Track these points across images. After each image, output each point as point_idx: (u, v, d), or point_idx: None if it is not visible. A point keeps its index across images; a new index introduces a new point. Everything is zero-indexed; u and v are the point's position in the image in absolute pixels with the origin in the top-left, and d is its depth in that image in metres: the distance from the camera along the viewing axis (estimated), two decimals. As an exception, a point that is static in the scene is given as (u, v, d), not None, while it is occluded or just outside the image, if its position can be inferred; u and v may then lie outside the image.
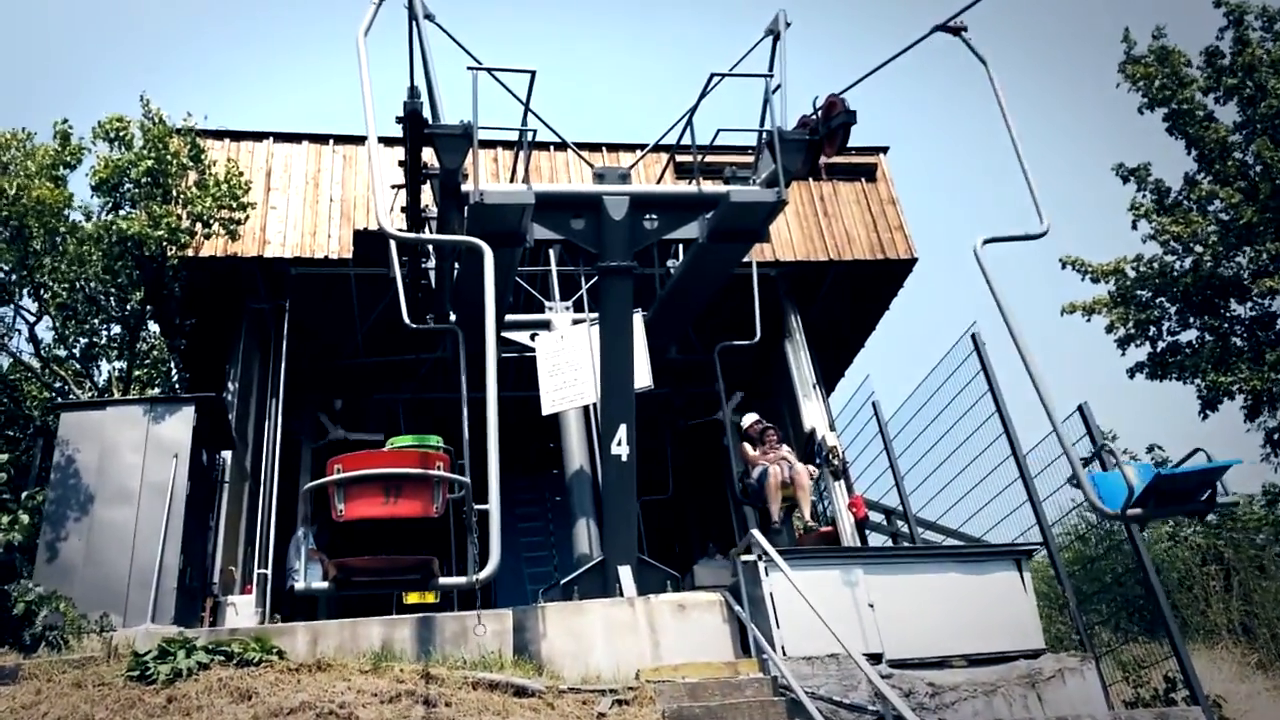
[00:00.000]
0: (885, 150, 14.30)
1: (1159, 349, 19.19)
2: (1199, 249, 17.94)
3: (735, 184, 9.00)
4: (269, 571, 11.21)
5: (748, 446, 10.58)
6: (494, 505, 4.67)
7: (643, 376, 9.62)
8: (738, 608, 8.29)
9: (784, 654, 7.71)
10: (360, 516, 4.97)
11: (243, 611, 10.77)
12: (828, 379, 14.59)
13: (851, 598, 8.24)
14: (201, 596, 10.37)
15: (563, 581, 8.87)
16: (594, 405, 10.78)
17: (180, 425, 10.12)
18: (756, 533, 8.09)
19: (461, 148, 7.99)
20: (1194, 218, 17.75)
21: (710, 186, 8.91)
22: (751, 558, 8.27)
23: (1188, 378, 18.38)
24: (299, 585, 5.34)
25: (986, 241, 7.60)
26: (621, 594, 8.64)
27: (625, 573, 8.74)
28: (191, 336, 12.53)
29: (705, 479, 18.17)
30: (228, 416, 11.07)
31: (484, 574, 4.57)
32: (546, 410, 10.11)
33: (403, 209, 10.15)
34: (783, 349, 14.04)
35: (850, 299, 14.03)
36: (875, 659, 7.81)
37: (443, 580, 5.25)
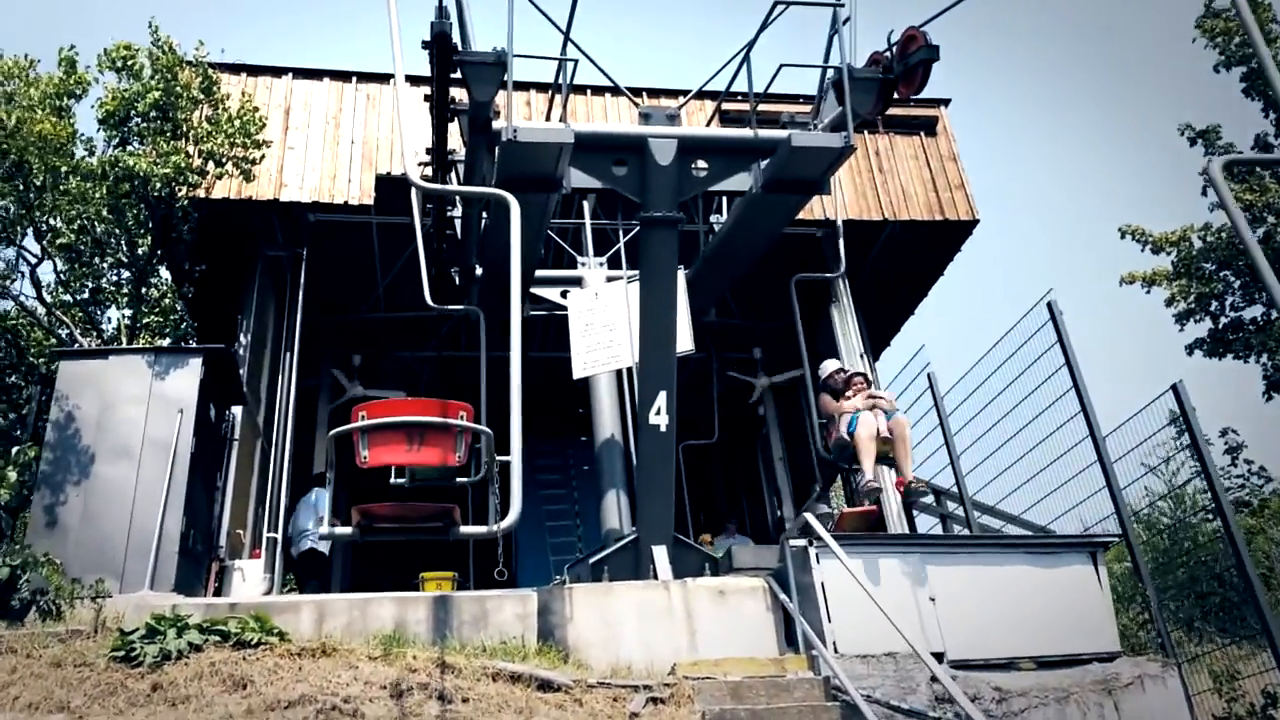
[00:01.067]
0: (947, 103, 13.32)
1: (1220, 325, 18.19)
2: (1271, 219, 16.84)
3: (794, 129, 8.11)
4: (279, 535, 10.59)
5: (829, 398, 9.16)
6: (516, 456, 4.49)
7: (684, 340, 8.83)
8: (784, 597, 7.54)
9: (836, 651, 6.97)
10: (384, 463, 4.92)
11: (250, 577, 10.17)
12: (874, 348, 13.73)
13: (911, 590, 7.47)
14: (206, 561, 9.76)
15: (591, 560, 8.16)
16: (627, 370, 10.05)
17: (187, 378, 9.48)
18: (810, 516, 7.32)
19: (494, 78, 7.16)
20: (1269, 184, 16.62)
21: (766, 132, 8.03)
22: (801, 542, 7.51)
23: (1252, 356, 17.40)
24: (323, 530, 4.88)
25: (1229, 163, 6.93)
26: (655, 576, 7.93)
27: (660, 553, 8.02)
28: (202, 284, 11.85)
29: (737, 449, 17.43)
30: (238, 370, 10.39)
31: (505, 524, 4.41)
32: (578, 374, 9.35)
33: (427, 150, 9.35)
34: (828, 314, 13.18)
35: (904, 262, 13.11)
36: (935, 659, 7.04)
37: (464, 529, 5.07)
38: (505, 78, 7.09)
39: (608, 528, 9.79)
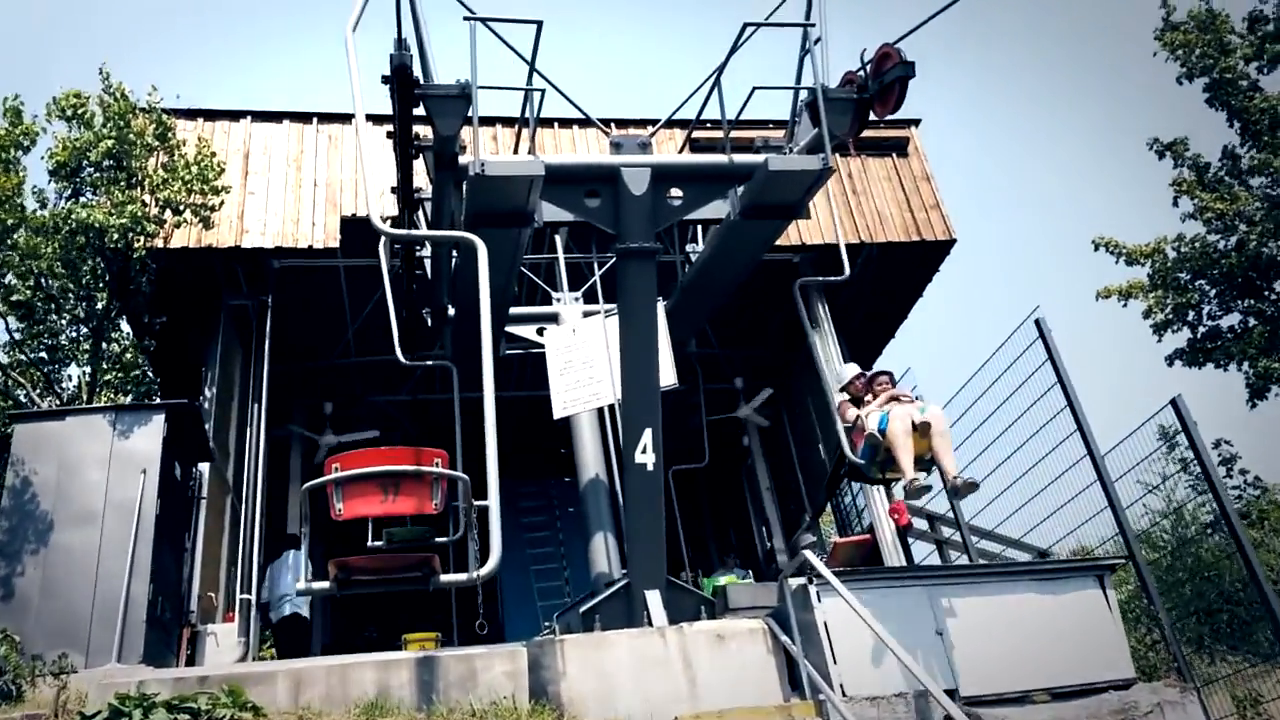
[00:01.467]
0: (917, 123, 13.21)
1: (1199, 334, 18.14)
2: (1243, 227, 16.84)
3: (769, 154, 7.89)
4: (253, 596, 10.13)
5: (850, 405, 8.40)
6: (494, 501, 4.55)
7: (667, 374, 8.54)
8: (785, 638, 7.21)
9: (844, 694, 6.63)
10: (359, 515, 4.90)
11: (224, 642, 9.71)
12: (857, 372, 13.49)
13: (917, 625, 7.16)
14: (177, 628, 9.30)
15: (582, 609, 7.79)
16: (609, 407, 9.74)
17: (149, 436, 9.08)
18: (809, 554, 7.01)
19: (458, 111, 6.89)
20: (1239, 193, 16.65)
21: (741, 157, 7.81)
22: (800, 580, 7.19)
23: (1232, 364, 17.33)
24: (300, 585, 5.10)
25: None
26: (650, 622, 7.56)
27: (653, 598, 7.66)
28: (164, 336, 11.43)
29: (723, 481, 17.12)
30: (203, 425, 9.99)
31: (485, 570, 4.47)
32: (558, 414, 9.02)
33: (392, 189, 9.06)
34: (808, 341, 12.92)
35: (882, 284, 12.93)
36: (950, 695, 6.72)
37: (444, 577, 5.08)
38: (470, 111, 6.82)
39: (596, 571, 9.43)
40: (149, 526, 8.69)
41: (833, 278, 9.91)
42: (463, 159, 7.50)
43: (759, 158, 7.64)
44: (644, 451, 7.63)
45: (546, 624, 13.29)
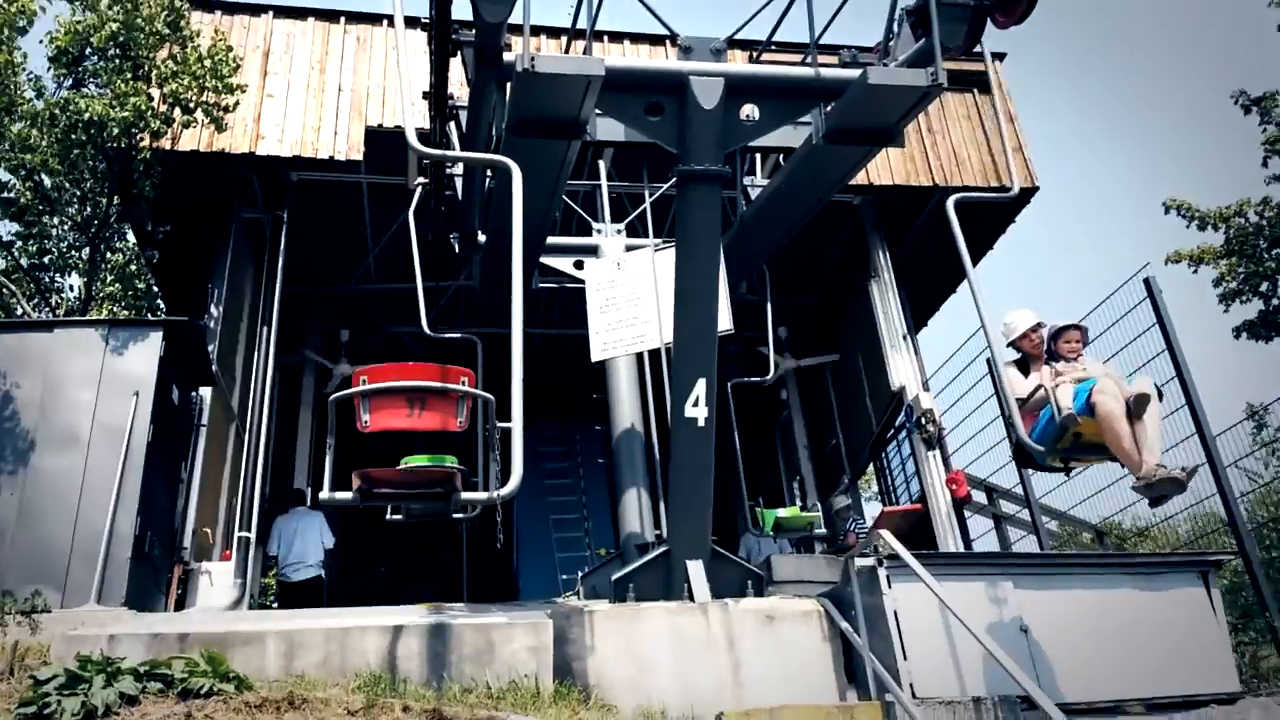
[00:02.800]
0: (1002, 57, 12.00)
1: (1272, 306, 16.97)
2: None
3: (849, 69, 6.83)
4: (252, 534, 9.35)
5: (1015, 375, 6.19)
6: (517, 422, 4.39)
7: (723, 318, 7.58)
8: (845, 625, 6.35)
9: (914, 695, 5.76)
10: (385, 428, 4.82)
11: (219, 582, 8.96)
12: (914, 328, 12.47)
13: (999, 619, 6.28)
14: (167, 566, 8.54)
15: (614, 576, 6.92)
16: (652, 352, 8.83)
17: (144, 355, 8.25)
18: (884, 533, 6.10)
19: (506, -6, 5.87)
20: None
21: (831, 71, 6.75)
22: (867, 560, 6.29)
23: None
24: (323, 495, 4.86)
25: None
26: (691, 596, 6.71)
27: (696, 569, 6.79)
28: (170, 248, 10.56)
29: (755, 436, 16.20)
30: (206, 345, 9.12)
31: (506, 490, 4.38)
32: (597, 356, 8.12)
33: (424, 94, 8.07)
34: (865, 291, 11.95)
35: (951, 233, 11.78)
36: (1028, 703, 5.84)
37: (465, 495, 4.84)
38: (521, -7, 5.80)
39: (627, 531, 8.57)
40: (139, 454, 7.89)
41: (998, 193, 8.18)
42: (508, 56, 6.50)
43: (852, 72, 6.58)
44: (696, 404, 6.71)
45: (566, 578, 12.61)
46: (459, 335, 9.20)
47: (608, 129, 8.08)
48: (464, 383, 4.92)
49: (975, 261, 12.50)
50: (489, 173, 8.86)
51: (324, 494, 4.71)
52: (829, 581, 7.96)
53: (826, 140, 6.71)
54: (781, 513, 10.02)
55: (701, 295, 6.72)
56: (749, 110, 6.72)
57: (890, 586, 6.16)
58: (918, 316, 13.24)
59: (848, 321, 13.16)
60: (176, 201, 10.14)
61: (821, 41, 7.21)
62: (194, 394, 9.31)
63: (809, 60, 6.77)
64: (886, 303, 11.45)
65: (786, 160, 8.50)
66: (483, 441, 5.19)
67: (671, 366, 6.91)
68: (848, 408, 13.39)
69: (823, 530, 10.36)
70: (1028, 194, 11.39)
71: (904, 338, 11.30)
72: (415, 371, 4.99)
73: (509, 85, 6.37)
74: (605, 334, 8.04)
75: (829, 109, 6.68)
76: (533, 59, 5.77)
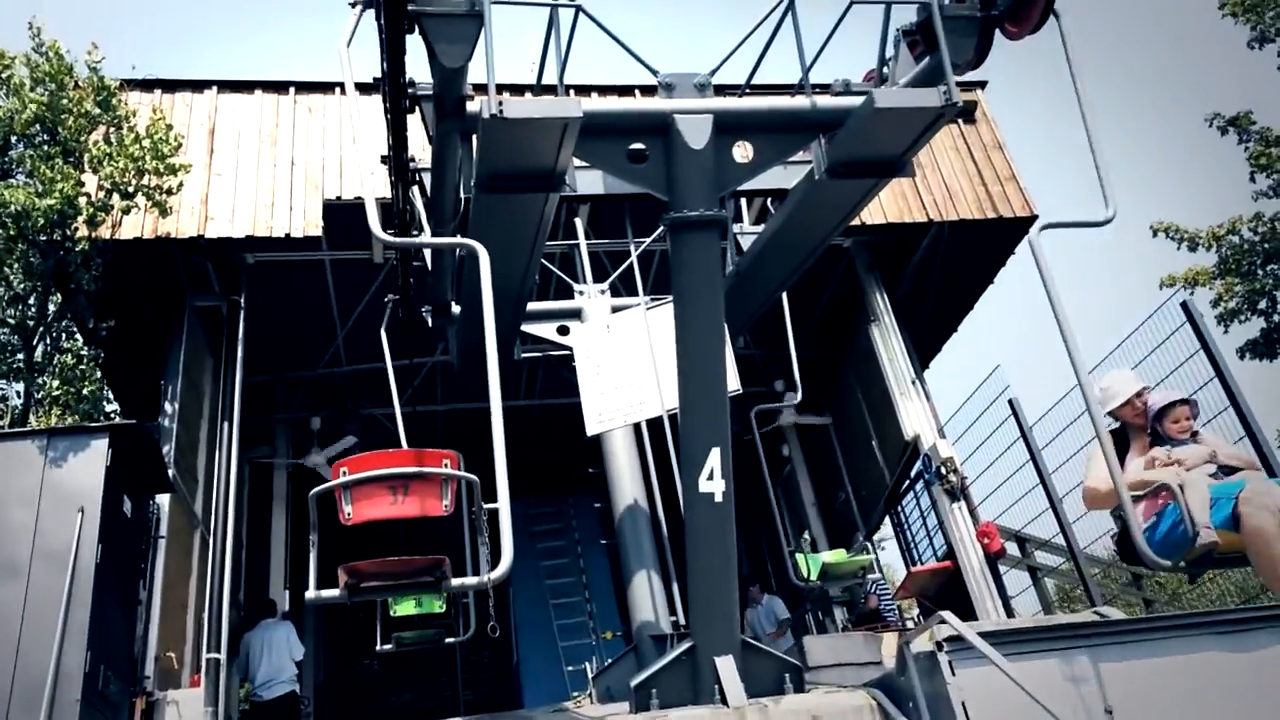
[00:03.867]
0: (984, 85, 11.53)
1: (1274, 323, 16.51)
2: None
3: (849, 97, 6.23)
4: (223, 655, 8.42)
5: (1128, 469, 5.12)
6: (504, 501, 4.32)
7: (731, 378, 6.86)
8: None
9: (995, 802, 4.94)
10: (368, 518, 4.68)
11: (188, 712, 8.00)
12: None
13: (1080, 701, 5.46)
14: (127, 700, 7.59)
15: (634, 682, 6.07)
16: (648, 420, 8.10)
17: (88, 465, 7.39)
18: (950, 615, 5.31)
19: (467, 35, 5.23)
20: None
21: (827, 100, 6.14)
22: (925, 645, 5.49)
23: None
24: (309, 595, 4.63)
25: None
26: (723, 699, 5.86)
27: (726, 666, 5.96)
28: (120, 344, 9.74)
29: (754, 495, 15.42)
30: (159, 448, 8.27)
31: (497, 573, 4.32)
32: (593, 429, 7.37)
33: (382, 159, 7.40)
34: (863, 336, 11.30)
35: (949, 269, 11.24)
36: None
37: (454, 581, 4.75)
38: (482, 32, 5.16)
39: (640, 620, 7.74)
40: (87, 577, 7.00)
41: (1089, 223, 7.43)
42: (471, 106, 5.85)
43: (852, 100, 5.98)
44: (711, 477, 5.94)
45: (572, 670, 11.68)
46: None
47: (587, 182, 7.47)
48: (446, 465, 4.77)
49: (977, 296, 12.03)
50: (458, 236, 8.19)
51: (310, 593, 4.51)
52: (869, 663, 7.17)
53: (830, 175, 6.07)
54: (827, 557, 9.08)
55: (706, 354, 6.00)
56: (742, 148, 6.09)
57: (954, 673, 5.35)
58: (920, 359, 12.61)
59: (846, 369, 12.50)
60: (122, 293, 9.37)
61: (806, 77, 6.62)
62: (149, 503, 8.44)
63: (802, 90, 6.14)
64: (890, 347, 10.80)
65: (782, 202, 7.88)
66: (469, 525, 5.02)
67: (679, 436, 6.15)
68: (855, 460, 12.67)
69: (877, 575, 9.46)
70: (1026, 223, 10.83)
71: (913, 383, 10.63)
72: (396, 459, 4.84)
73: (475, 138, 5.71)
74: (600, 403, 7.30)
75: (829, 141, 6.06)
76: (500, 104, 5.11)
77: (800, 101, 6.10)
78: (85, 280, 8.30)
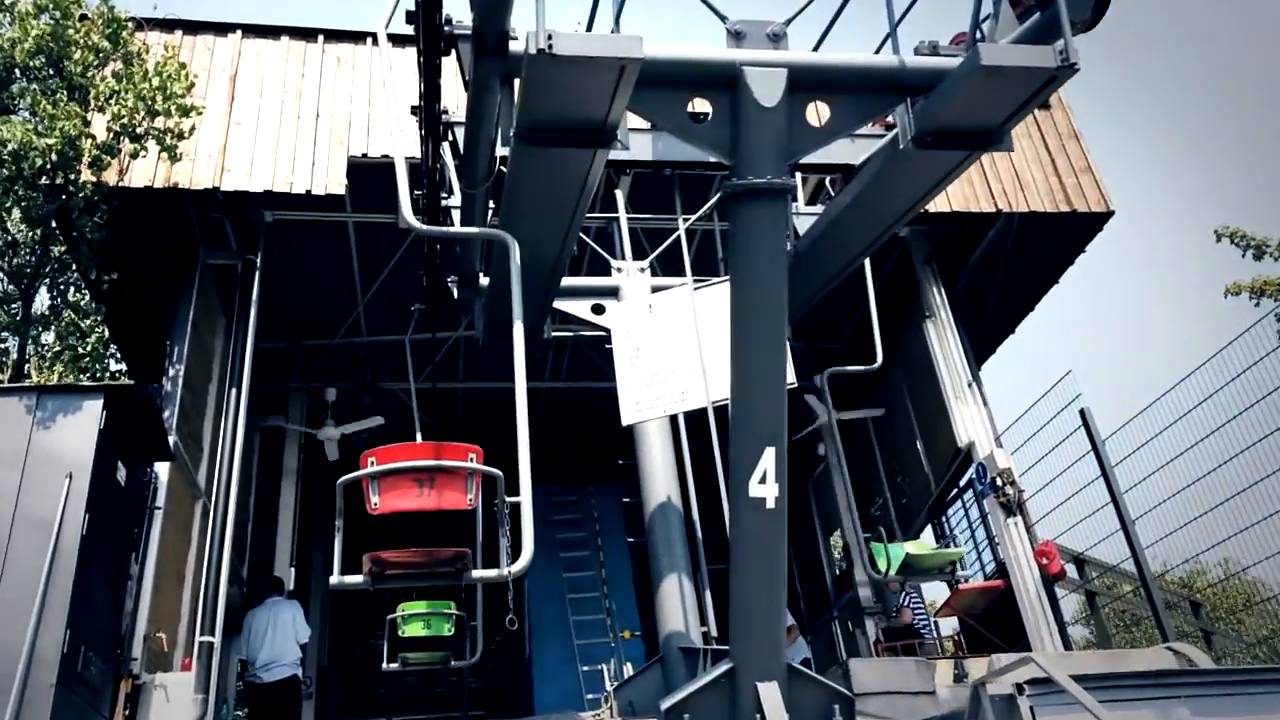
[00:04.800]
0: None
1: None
2: None
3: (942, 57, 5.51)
4: (216, 639, 7.84)
5: None
6: (526, 496, 4.42)
7: (789, 369, 6.15)
8: (971, 769, 4.84)
9: None
10: (394, 509, 4.70)
11: (176, 697, 7.44)
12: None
13: (1179, 760, 4.77)
14: (110, 683, 7.02)
15: (665, 705, 5.40)
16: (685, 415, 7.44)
17: (79, 428, 6.84)
18: (1040, 657, 4.61)
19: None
20: None
21: (919, 60, 5.42)
22: (1003, 688, 4.80)
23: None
24: (333, 580, 4.63)
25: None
26: (765, 731, 5.19)
27: (770, 695, 5.28)
28: (128, 300, 9.16)
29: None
30: (159, 413, 7.68)
31: (518, 566, 4.38)
32: (629, 419, 6.71)
33: (413, 109, 6.74)
34: (918, 333, 10.56)
35: (1014, 265, 10.46)
36: None
37: (476, 573, 4.79)
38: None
39: (669, 630, 7.08)
40: (71, 550, 6.45)
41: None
42: (515, 45, 5.17)
43: (947, 60, 5.25)
44: (763, 481, 5.25)
45: (587, 670, 11.07)
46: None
47: (634, 148, 6.80)
48: (472, 459, 4.80)
49: (1040, 294, 11.23)
50: (491, 203, 7.54)
51: (334, 579, 4.55)
52: (921, 692, 6.48)
53: (916, 145, 5.33)
54: (911, 548, 8.12)
55: (766, 342, 5.30)
56: (817, 109, 5.37)
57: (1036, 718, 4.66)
58: (977, 358, 11.83)
59: (892, 367, 11.74)
60: (129, 246, 8.79)
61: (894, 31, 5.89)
62: (147, 471, 7.87)
63: (893, 43, 5.42)
64: (946, 346, 10.05)
65: (843, 180, 7.16)
66: (481, 517, 5.15)
67: (730, 433, 5.46)
68: (897, 464, 11.94)
69: (967, 572, 8.59)
70: (1101, 219, 10.04)
71: (969, 385, 9.88)
72: (423, 451, 4.91)
73: (517, 82, 5.03)
74: (637, 392, 6.62)
75: (917, 107, 5.33)
76: (550, 38, 4.42)
77: (888, 60, 5.37)
78: (88, 228, 7.70)
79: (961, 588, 9.18)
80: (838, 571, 13.78)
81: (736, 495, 5.36)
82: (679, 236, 8.44)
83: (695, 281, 7.51)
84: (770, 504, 5.29)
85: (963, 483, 10.44)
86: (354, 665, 16.28)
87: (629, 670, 9.12)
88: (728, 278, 7.16)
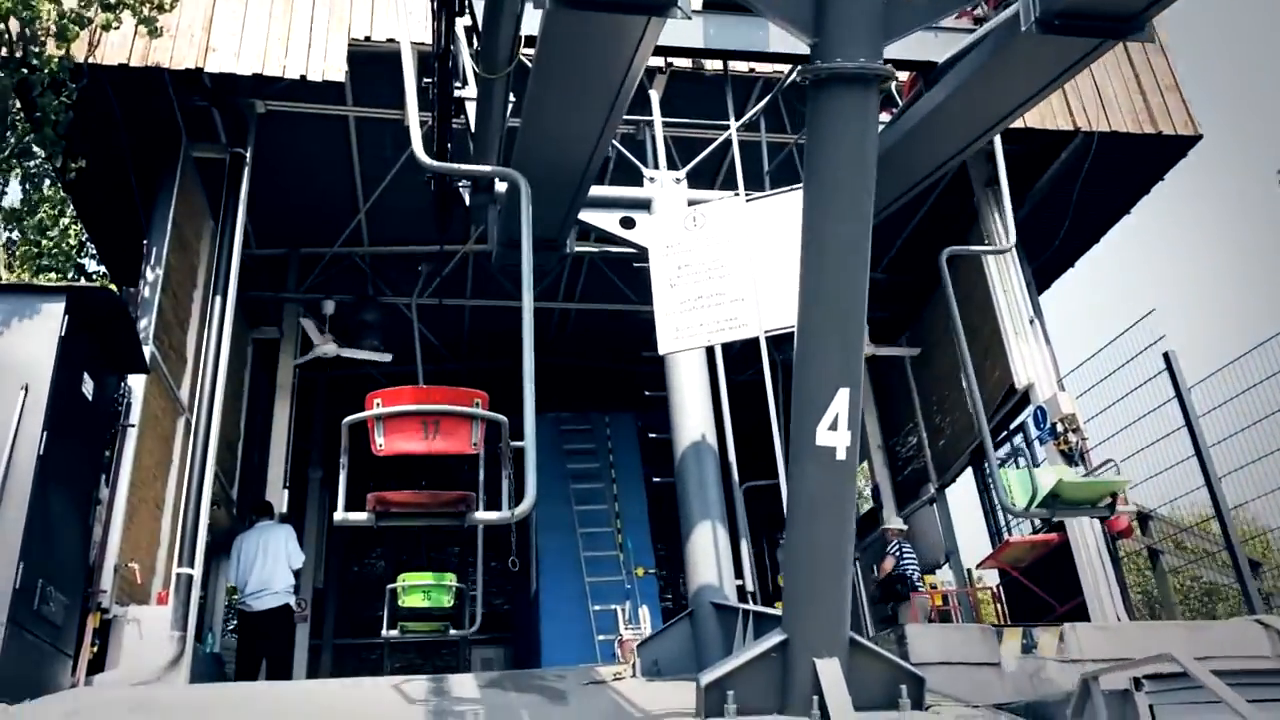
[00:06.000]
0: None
1: None
2: None
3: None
4: (195, 571, 7.11)
5: None
6: (530, 442, 4.34)
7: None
8: (1070, 773, 4.09)
9: None
10: (399, 452, 4.78)
11: (150, 633, 6.75)
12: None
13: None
14: (76, 619, 6.30)
15: (705, 680, 4.64)
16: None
17: (38, 334, 6.05)
18: (1181, 655, 3.81)
19: None
20: None
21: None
22: (1117, 682, 4.03)
23: None
24: (337, 516, 4.54)
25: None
26: (824, 713, 4.44)
27: (830, 671, 4.52)
28: (98, 196, 8.25)
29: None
30: (131, 320, 6.83)
31: (520, 509, 4.31)
32: (667, 347, 5.86)
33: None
34: (977, 264, 9.65)
35: (1087, 191, 9.48)
36: None
37: (479, 514, 4.64)
38: None
39: (700, 583, 6.33)
40: (26, 472, 5.73)
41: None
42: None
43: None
44: (834, 427, 4.41)
45: (598, 609, 10.40)
46: None
47: (681, 34, 5.90)
48: (477, 405, 4.81)
49: (1108, 226, 10.28)
50: (512, 96, 6.60)
51: (339, 515, 4.55)
52: (985, 663, 5.77)
53: (1041, 27, 4.38)
54: (1063, 474, 6.60)
55: (846, 260, 4.40)
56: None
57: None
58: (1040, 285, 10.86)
59: (939, 298, 10.85)
60: (103, 132, 7.85)
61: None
62: (119, 384, 7.05)
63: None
64: (1007, 277, 9.15)
65: (928, 81, 6.19)
66: (486, 460, 5.04)
67: (795, 369, 4.59)
68: (937, 404, 11.13)
69: (1131, 508, 7.42)
70: (1187, 143, 9.04)
71: (1030, 322, 9.01)
72: (429, 394, 4.97)
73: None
74: (677, 317, 5.76)
75: (1044, -22, 4.36)
76: None
77: (1009, -81, 4.39)
78: (52, 108, 6.74)
79: (1013, 540, 8.44)
80: (861, 512, 13.10)
81: (800, 442, 4.52)
82: (725, 142, 7.47)
83: (760, 193, 6.58)
84: (841, 454, 4.45)
85: (1013, 426, 9.64)
86: (351, 585, 15.78)
87: (645, 615, 8.47)
88: (787, 189, 6.28)
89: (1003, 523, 10.06)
